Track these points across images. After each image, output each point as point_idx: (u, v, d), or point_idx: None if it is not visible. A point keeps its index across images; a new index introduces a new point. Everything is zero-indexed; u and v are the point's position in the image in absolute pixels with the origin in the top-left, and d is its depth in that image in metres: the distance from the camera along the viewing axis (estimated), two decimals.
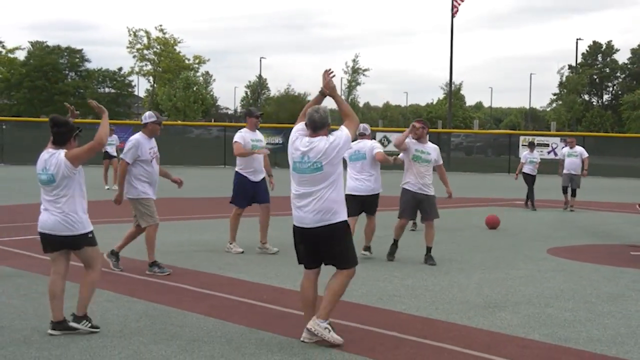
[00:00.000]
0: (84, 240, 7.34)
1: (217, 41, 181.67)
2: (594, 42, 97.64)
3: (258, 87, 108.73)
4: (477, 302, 8.95)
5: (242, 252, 11.97)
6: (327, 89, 7.31)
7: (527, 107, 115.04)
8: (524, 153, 23.09)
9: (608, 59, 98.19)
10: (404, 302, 8.87)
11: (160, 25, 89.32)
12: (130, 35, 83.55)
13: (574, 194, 20.85)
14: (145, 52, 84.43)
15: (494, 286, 9.84)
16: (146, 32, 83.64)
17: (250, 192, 12.05)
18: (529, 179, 21.28)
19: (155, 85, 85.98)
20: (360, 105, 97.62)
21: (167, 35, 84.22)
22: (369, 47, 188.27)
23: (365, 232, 11.88)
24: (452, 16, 49.73)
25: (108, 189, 23.73)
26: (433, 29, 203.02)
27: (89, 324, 7.27)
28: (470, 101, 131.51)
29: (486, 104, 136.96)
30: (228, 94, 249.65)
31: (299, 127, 7.26)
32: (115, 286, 9.34)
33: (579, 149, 21.55)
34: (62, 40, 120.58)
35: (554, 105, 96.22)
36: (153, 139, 10.61)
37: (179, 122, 66.49)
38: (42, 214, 7.32)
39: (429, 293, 9.39)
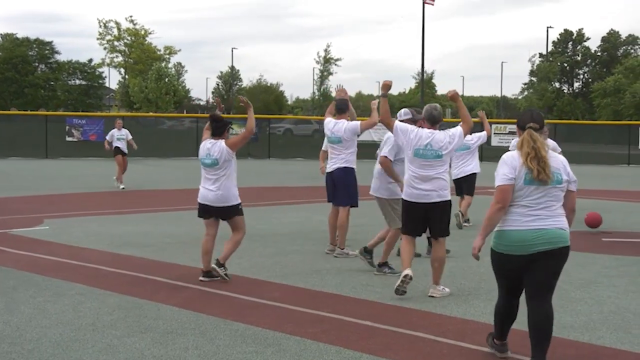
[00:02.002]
0: (235, 210, 9.33)
1: (190, 32, 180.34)
2: (565, 30, 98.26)
3: (230, 77, 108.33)
4: (451, 290, 8.98)
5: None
6: (451, 95, 8.83)
7: (499, 95, 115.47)
8: (512, 141, 20.30)
9: (579, 47, 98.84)
10: (377, 291, 8.89)
11: (131, 16, 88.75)
12: (100, 26, 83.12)
13: None
14: (116, 43, 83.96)
15: (467, 274, 9.88)
16: (116, 23, 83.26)
17: None
18: None
19: (126, 76, 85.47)
20: (333, 94, 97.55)
21: (137, 27, 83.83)
22: (344, 37, 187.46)
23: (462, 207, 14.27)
24: (424, 4, 49.78)
25: (123, 188, 21.35)
26: (408, 18, 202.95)
27: (225, 271, 9.26)
28: (442, 90, 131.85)
29: (458, 93, 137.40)
30: (200, 85, 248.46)
31: (404, 125, 8.88)
32: (87, 279, 9.29)
33: (550, 143, 18.08)
34: (33, 32, 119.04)
35: (526, 93, 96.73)
36: None
37: (151, 113, 66.18)
38: (202, 190, 9.35)
39: None
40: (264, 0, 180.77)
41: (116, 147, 22.06)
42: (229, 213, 9.31)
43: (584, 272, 10.16)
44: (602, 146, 46.51)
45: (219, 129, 9.38)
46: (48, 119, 42.29)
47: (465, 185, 14.54)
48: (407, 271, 8.48)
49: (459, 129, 8.77)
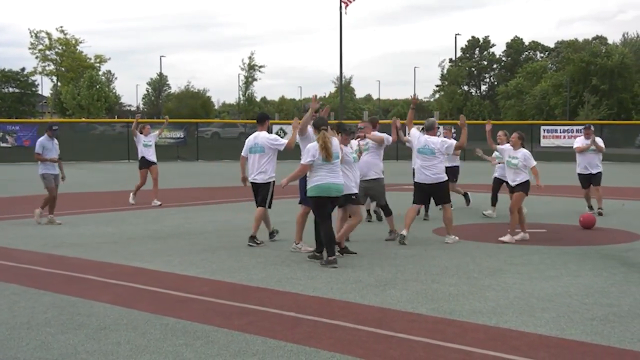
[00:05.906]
0: (349, 199, 10.90)
1: (120, 41, 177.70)
2: (472, 37, 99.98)
3: (159, 84, 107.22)
4: (369, 281, 9.05)
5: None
6: (461, 123, 12.41)
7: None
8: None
9: (485, 53, 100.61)
10: (301, 283, 8.91)
11: (61, 27, 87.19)
12: (32, 36, 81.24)
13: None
14: (48, 52, 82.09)
15: (384, 265, 9.97)
16: (47, 33, 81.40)
17: None
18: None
19: (59, 84, 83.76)
20: (258, 99, 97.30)
21: (68, 36, 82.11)
22: (268, 45, 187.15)
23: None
24: (341, 14, 49.89)
25: (133, 204, 17.47)
26: (329, 27, 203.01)
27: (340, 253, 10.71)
28: (360, 94, 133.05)
29: (375, 96, 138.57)
30: (131, 91, 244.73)
31: (416, 132, 12.42)
32: (22, 279, 9.09)
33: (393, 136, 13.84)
34: None
35: (437, 96, 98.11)
36: None
37: (84, 119, 65.09)
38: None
39: (325, 274, 9.44)
40: (191, 10, 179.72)
41: (142, 157, 17.75)
42: (347, 200, 10.89)
43: (492, 261, 10.35)
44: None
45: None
46: None
47: (593, 179, 16.57)
48: (447, 240, 12.03)
49: (453, 142, 12.28)
